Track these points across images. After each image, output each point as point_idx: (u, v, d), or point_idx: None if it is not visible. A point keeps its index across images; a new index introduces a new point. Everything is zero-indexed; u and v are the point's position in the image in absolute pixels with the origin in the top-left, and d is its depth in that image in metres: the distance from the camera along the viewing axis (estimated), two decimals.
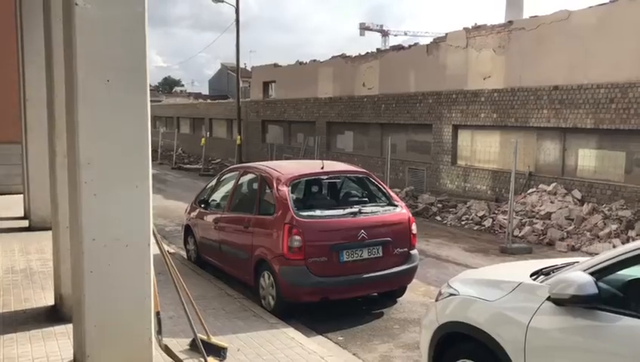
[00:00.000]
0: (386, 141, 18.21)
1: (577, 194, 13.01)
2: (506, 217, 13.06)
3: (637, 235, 10.83)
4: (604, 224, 11.50)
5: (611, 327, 3.04)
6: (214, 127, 34.22)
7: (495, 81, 15.39)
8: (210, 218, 8.35)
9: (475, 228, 13.44)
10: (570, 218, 12.22)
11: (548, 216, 12.57)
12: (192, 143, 34.61)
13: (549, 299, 3.34)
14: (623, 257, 3.18)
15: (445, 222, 14.27)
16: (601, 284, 3.11)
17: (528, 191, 13.91)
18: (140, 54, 4.13)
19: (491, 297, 3.80)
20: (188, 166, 29.21)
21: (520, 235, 12.05)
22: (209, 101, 36.99)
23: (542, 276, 3.80)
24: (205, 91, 69.67)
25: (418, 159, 18.17)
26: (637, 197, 11.68)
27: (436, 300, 4.45)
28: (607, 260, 3.23)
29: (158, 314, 4.60)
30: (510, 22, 15.52)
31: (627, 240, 10.75)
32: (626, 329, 3.00)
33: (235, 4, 27.00)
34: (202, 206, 8.67)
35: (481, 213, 14.10)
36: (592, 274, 3.17)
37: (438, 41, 17.57)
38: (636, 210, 11.42)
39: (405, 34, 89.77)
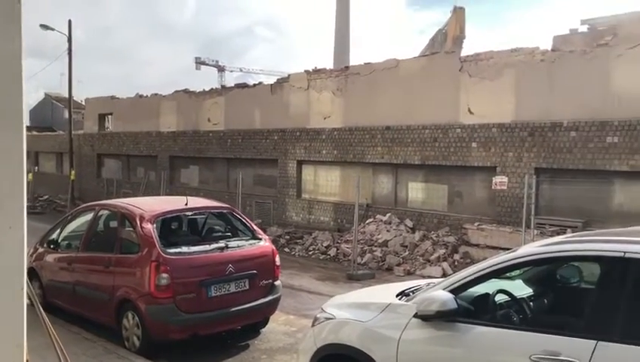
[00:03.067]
0: (233, 175, 18.54)
1: (409, 223, 14.44)
2: (348, 246, 14.04)
3: (461, 258, 12.36)
4: (434, 249, 12.92)
5: (467, 335, 3.67)
6: (42, 161, 31.60)
7: (335, 121, 16.57)
8: (61, 259, 7.89)
9: (321, 258, 14.23)
10: (404, 245, 13.51)
11: (385, 243, 13.75)
12: None
13: (415, 315, 3.90)
14: (472, 277, 3.86)
15: (294, 253, 14.87)
16: (458, 300, 3.73)
17: (367, 222, 15.07)
18: (16, 91, 4.00)
19: (364, 318, 4.28)
20: None
21: (362, 262, 13.01)
22: (35, 133, 34.05)
23: (405, 296, 4.39)
24: (26, 122, 63.68)
25: (265, 193, 18.69)
26: (459, 224, 13.33)
27: (312, 325, 4.83)
28: (461, 280, 3.88)
29: None
30: (347, 67, 16.93)
31: (453, 263, 12.23)
32: (478, 335, 3.65)
33: (67, 33, 25.53)
34: (51, 246, 8.15)
35: (326, 243, 14.95)
36: (450, 291, 3.80)
37: (281, 82, 18.45)
38: (459, 236, 13.03)
39: (241, 70, 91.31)
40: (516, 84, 12.70)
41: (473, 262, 11.93)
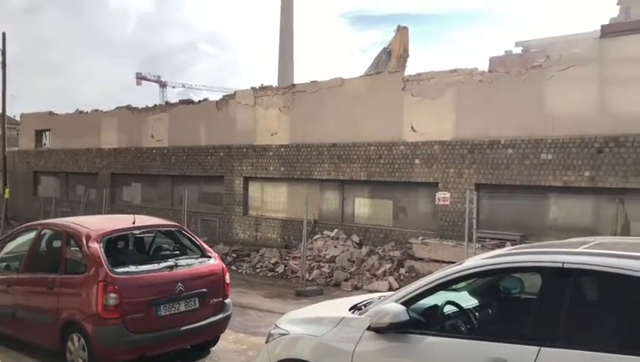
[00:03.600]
0: (177, 192, 18.31)
1: (356, 238, 14.65)
2: (296, 263, 14.09)
3: (406, 272, 12.63)
4: (380, 264, 13.15)
5: (419, 346, 3.81)
6: None
7: (282, 137, 16.67)
8: None
9: (269, 275, 14.20)
10: (351, 260, 13.68)
11: (333, 259, 13.88)
12: None
13: (369, 328, 4.01)
14: (423, 289, 4.02)
15: (241, 271, 14.77)
16: (410, 312, 3.87)
17: (314, 238, 15.17)
18: None
19: (318, 332, 4.36)
20: None
21: (310, 279, 13.07)
22: None
23: (357, 310, 4.50)
24: None
25: (210, 210, 18.52)
26: (404, 239, 13.64)
27: (266, 341, 4.87)
28: (412, 292, 4.03)
29: None
30: (293, 85, 17.09)
31: (399, 277, 12.49)
32: (429, 346, 3.80)
33: (0, 46, 24.60)
34: None
35: (273, 260, 14.94)
36: (402, 304, 3.93)
37: (227, 98, 18.42)
38: (404, 251, 13.33)
39: (183, 86, 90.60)
40: (456, 103, 13.20)
41: (418, 275, 12.22)
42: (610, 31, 11.22)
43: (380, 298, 4.65)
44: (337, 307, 4.87)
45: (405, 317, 3.78)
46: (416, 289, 4.03)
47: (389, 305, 3.92)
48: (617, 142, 10.98)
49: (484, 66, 14.09)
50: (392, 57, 15.66)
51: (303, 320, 4.74)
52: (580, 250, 3.58)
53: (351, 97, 15.04)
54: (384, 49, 16.28)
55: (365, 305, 4.55)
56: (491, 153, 12.64)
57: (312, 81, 16.30)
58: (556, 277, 3.44)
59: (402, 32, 15.81)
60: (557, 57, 11.93)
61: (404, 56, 15.42)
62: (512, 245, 11.23)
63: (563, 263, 3.42)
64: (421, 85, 13.73)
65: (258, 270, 14.65)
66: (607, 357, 3.08)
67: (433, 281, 4.01)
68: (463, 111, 13.07)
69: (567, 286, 3.37)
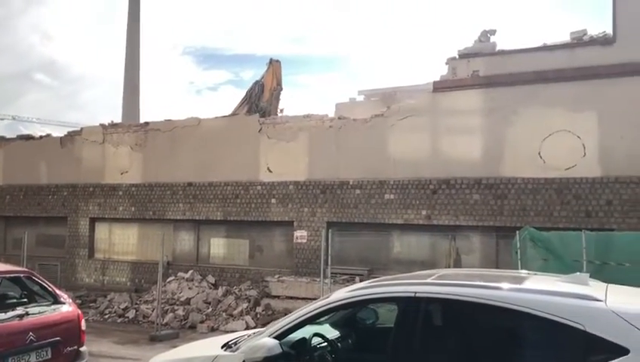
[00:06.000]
0: (11, 236, 16.76)
1: (211, 279, 14.58)
2: (148, 307, 13.63)
3: (263, 310, 12.83)
4: (237, 304, 13.21)
5: None
6: None
7: (133, 176, 16.18)
8: None
9: (119, 321, 13.51)
10: (207, 301, 13.56)
11: (187, 301, 13.65)
12: None
13: None
14: (294, 323, 4.31)
15: (87, 317, 13.81)
16: (282, 345, 4.14)
17: (168, 280, 14.80)
18: None
19: None
20: None
21: (164, 322, 12.70)
22: None
23: (229, 348, 4.65)
24: None
25: (50, 254, 17.17)
26: (260, 278, 13.89)
27: None
28: (283, 326, 4.30)
29: None
30: (147, 123, 16.75)
31: (256, 316, 12.66)
32: None
33: None
34: None
35: (123, 305, 14.25)
36: (275, 338, 4.19)
37: (72, 134, 17.49)
38: (260, 289, 13.56)
39: (13, 118, 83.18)
40: (309, 146, 13.97)
41: (275, 313, 12.52)
42: (440, 86, 12.78)
43: (249, 335, 4.84)
44: (209, 346, 4.97)
45: (278, 350, 4.03)
46: (288, 323, 4.30)
47: (263, 340, 4.14)
48: (449, 185, 12.42)
49: (332, 112, 15.10)
50: (265, 91, 15.92)
51: (175, 361, 4.77)
52: (428, 281, 4.15)
53: (208, 137, 15.17)
54: (256, 82, 16.35)
55: (236, 343, 4.71)
56: (341, 193, 13.52)
57: (166, 120, 16.16)
58: (410, 305, 3.94)
59: (275, 65, 16.08)
60: (397, 108, 13.25)
61: (277, 90, 15.78)
62: (360, 279, 12.05)
63: (415, 293, 3.94)
64: (277, 128, 14.33)
65: (107, 316, 13.87)
66: None
67: (304, 315, 4.31)
68: (316, 153, 13.86)
69: (419, 313, 3.89)
